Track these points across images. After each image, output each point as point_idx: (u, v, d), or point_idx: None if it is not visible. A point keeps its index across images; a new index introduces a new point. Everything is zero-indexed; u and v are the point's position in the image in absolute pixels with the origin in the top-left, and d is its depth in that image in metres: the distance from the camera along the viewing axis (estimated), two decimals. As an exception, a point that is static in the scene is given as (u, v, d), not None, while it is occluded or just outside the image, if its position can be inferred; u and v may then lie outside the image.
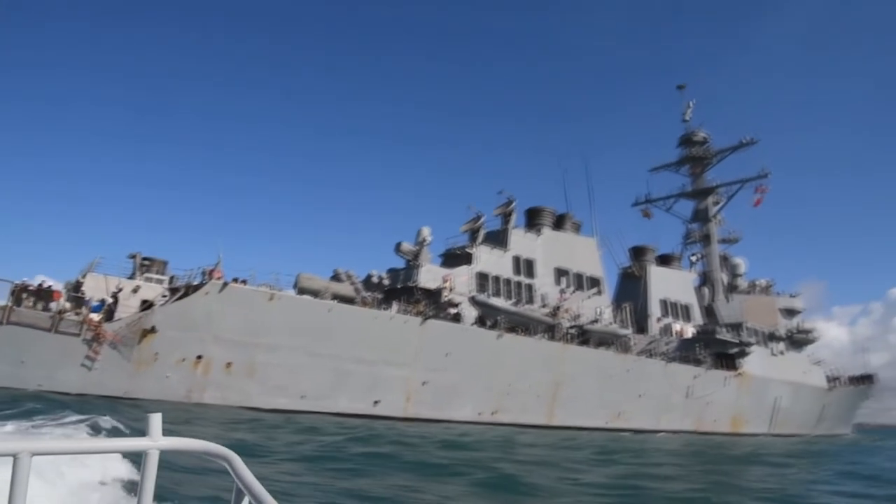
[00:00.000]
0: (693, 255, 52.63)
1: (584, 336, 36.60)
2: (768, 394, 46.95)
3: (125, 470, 7.53)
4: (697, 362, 42.05)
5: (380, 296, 31.26)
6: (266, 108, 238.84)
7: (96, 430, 11.82)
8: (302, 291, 27.13)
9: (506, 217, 39.19)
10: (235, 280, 25.16)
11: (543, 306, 37.16)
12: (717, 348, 43.62)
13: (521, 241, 38.79)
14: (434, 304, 31.88)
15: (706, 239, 52.54)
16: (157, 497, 2.21)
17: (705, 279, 51.81)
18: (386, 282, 34.07)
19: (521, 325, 34.22)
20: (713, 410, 42.71)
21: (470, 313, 33.01)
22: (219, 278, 24.78)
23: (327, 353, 26.60)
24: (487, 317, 33.19)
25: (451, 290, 33.33)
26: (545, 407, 34.21)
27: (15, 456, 1.94)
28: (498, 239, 38.24)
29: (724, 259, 53.43)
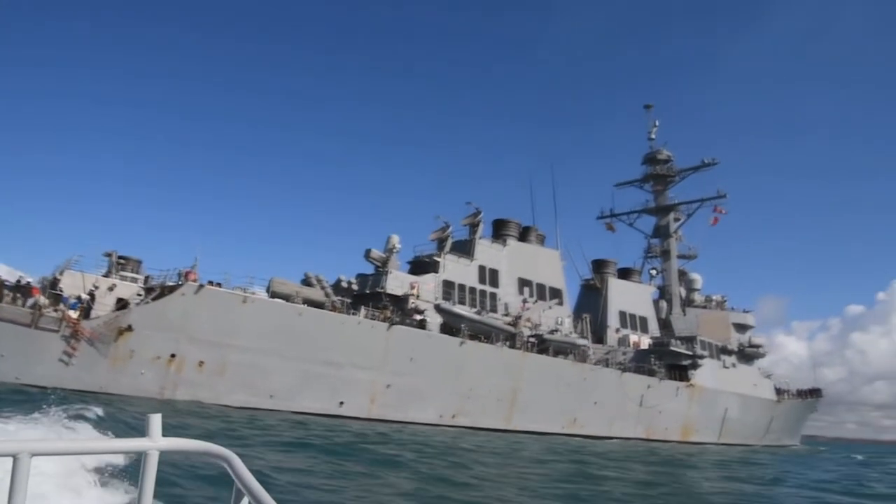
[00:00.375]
0: (653, 269, 55.25)
1: (543, 345, 38.66)
2: (718, 404, 49.67)
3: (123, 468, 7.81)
4: (651, 373, 44.49)
5: (349, 300, 32.87)
6: (244, 109, 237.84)
7: (82, 419, 13.30)
8: (274, 295, 28.63)
9: (473, 227, 41.12)
10: (210, 283, 26.58)
11: (506, 315, 39.15)
12: (670, 360, 46.17)
13: (486, 252, 40.74)
14: (400, 310, 33.60)
15: (666, 254, 55.26)
16: (156, 496, 2.28)
17: (663, 293, 54.47)
18: (355, 287, 35.62)
19: (483, 332, 36.13)
20: (664, 419, 45.20)
21: (435, 320, 34.80)
22: (194, 280, 26.18)
23: (296, 356, 28.16)
24: (451, 324, 35.03)
25: (417, 296, 35.08)
26: (504, 411, 36.17)
27: (15, 456, 1.96)
28: (464, 248, 40.12)
29: (682, 274, 56.20)
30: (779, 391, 58.91)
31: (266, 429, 19.97)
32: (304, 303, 29.16)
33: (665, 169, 56.36)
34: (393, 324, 31.45)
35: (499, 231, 43.55)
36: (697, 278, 56.70)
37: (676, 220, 56.43)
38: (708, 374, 48.52)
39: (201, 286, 26.01)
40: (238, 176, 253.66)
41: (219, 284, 26.93)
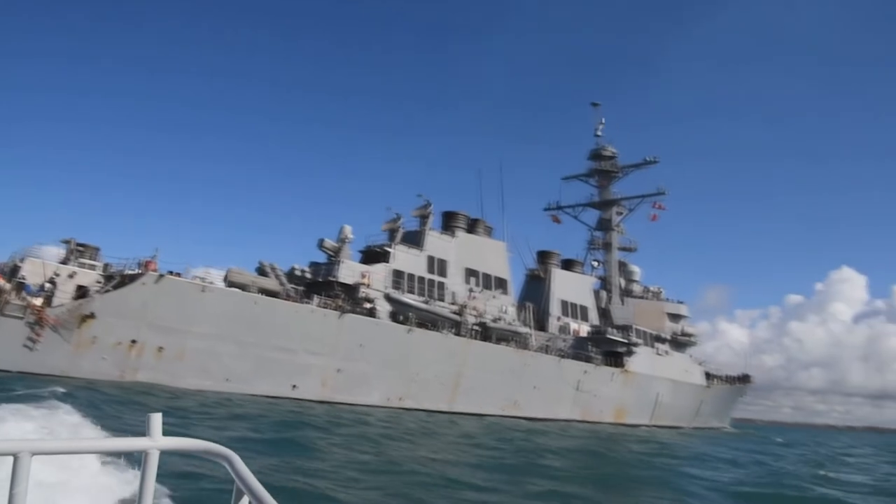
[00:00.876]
0: (595, 260, 58.81)
1: (486, 332, 41.56)
2: (651, 389, 53.67)
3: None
4: (589, 359, 48.00)
5: (302, 288, 34.98)
6: (202, 92, 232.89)
7: (55, 398, 15.31)
8: (231, 285, 30.59)
9: (423, 219, 43.60)
10: (171, 273, 28.38)
11: (453, 304, 41.84)
12: (607, 347, 49.79)
13: (435, 243, 43.25)
14: (351, 298, 35.91)
15: (608, 247, 58.79)
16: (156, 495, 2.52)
17: (604, 283, 58.06)
18: (308, 275, 37.71)
19: (430, 320, 38.75)
20: (600, 402, 48.84)
21: (384, 308, 37.24)
22: (154, 270, 27.95)
23: (252, 342, 30.27)
24: (399, 312, 37.53)
25: (368, 285, 37.41)
26: (447, 395, 38.98)
27: (15, 455, 1.99)
28: (415, 239, 42.56)
29: (623, 266, 59.90)
30: (709, 377, 63.50)
31: (210, 406, 22.16)
32: (259, 292, 31.21)
33: (609, 165, 59.71)
34: (344, 312, 33.77)
35: (448, 223, 46.07)
36: (636, 270, 60.57)
37: (619, 213, 59.96)
38: (642, 360, 52.36)
39: (161, 276, 27.81)
40: (190, 160, 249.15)
41: (178, 274, 28.75)
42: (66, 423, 11.63)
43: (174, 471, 8.75)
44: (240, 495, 2.15)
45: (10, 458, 2.00)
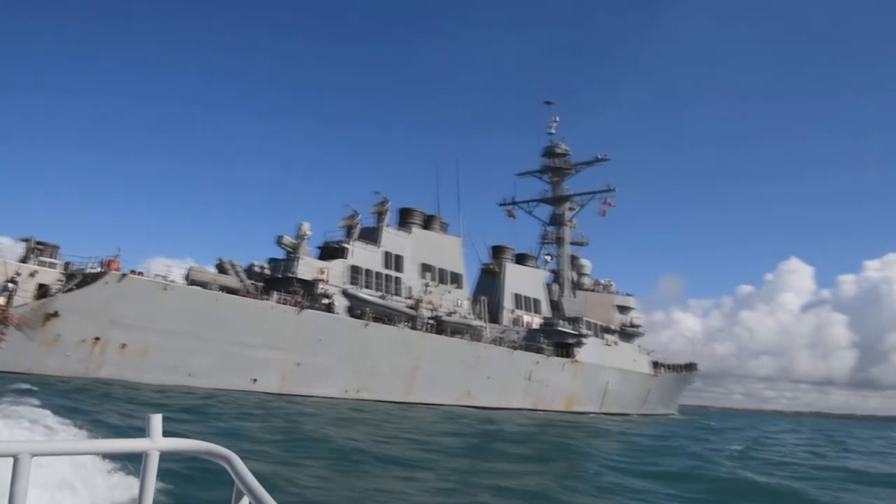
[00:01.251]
0: (547, 254, 61.40)
1: (441, 326, 43.61)
2: (599, 378, 56.59)
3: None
4: (540, 350, 50.53)
5: (261, 284, 36.38)
6: (161, 87, 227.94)
7: (21, 395, 16.66)
8: (192, 283, 31.87)
9: (380, 215, 45.30)
10: (133, 272, 29.56)
11: (409, 298, 43.74)
12: (557, 338, 52.40)
13: (392, 239, 45.03)
14: (310, 294, 37.48)
15: (560, 241, 61.47)
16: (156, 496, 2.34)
17: (556, 277, 60.71)
18: (267, 271, 39.06)
19: (386, 315, 40.58)
20: (551, 392, 51.47)
21: (342, 303, 38.90)
22: (117, 269, 29.09)
23: (213, 338, 31.66)
24: (357, 307, 39.26)
25: (326, 281, 39.00)
26: (404, 386, 40.93)
27: (15, 456, 2.02)
28: (371, 235, 44.26)
29: (574, 259, 62.68)
30: (656, 365, 66.95)
31: (166, 398, 23.67)
32: (220, 289, 32.56)
33: (562, 162, 62.29)
34: (303, 308, 35.35)
35: (404, 219, 47.88)
36: (587, 264, 63.41)
37: (571, 209, 62.68)
38: (591, 351, 55.17)
39: (124, 275, 28.99)
40: (143, 155, 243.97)
41: (140, 273, 29.94)
42: (35, 420, 11.77)
43: (174, 471, 8.92)
44: (240, 496, 2.17)
45: (11, 459, 2.03)
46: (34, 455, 2.06)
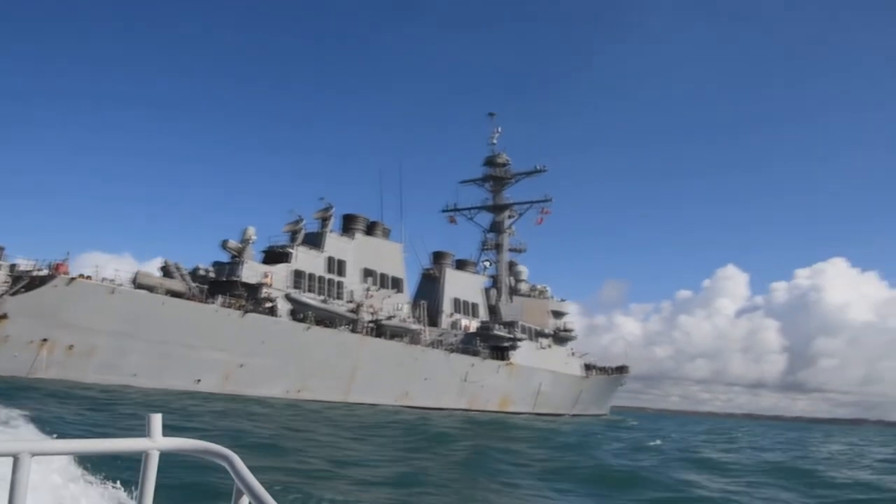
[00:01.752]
0: (486, 260, 64.59)
1: (380, 329, 46.08)
2: (533, 380, 60.01)
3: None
4: (476, 353, 53.54)
5: (206, 287, 38.10)
6: (99, 84, 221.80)
7: None
8: (139, 286, 33.49)
9: (324, 221, 47.45)
10: (81, 276, 31.06)
11: (350, 302, 46.05)
12: (493, 342, 55.53)
13: (335, 244, 47.25)
14: (253, 298, 39.42)
15: (499, 248, 64.71)
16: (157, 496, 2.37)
17: (495, 282, 63.93)
18: (212, 275, 40.75)
19: (327, 318, 42.80)
20: (486, 393, 54.54)
21: (285, 307, 40.96)
22: (66, 273, 30.57)
23: (158, 340, 33.37)
24: (299, 311, 41.37)
25: (269, 285, 40.96)
26: (343, 387, 43.24)
27: (15, 456, 2.05)
28: (315, 240, 46.37)
29: (512, 266, 66.05)
30: (588, 368, 70.96)
31: (109, 398, 25.47)
32: (166, 293, 34.27)
33: (502, 171, 65.56)
34: (247, 311, 37.31)
35: (348, 225, 50.13)
36: (524, 270, 66.95)
37: (510, 217, 66.03)
38: (525, 354, 58.50)
39: (73, 279, 30.49)
40: (85, 154, 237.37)
41: (89, 277, 31.46)
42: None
43: (175, 470, 8.98)
44: (239, 495, 2.20)
45: (11, 459, 2.06)
46: (34, 455, 2.09)
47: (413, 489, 11.64)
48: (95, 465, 8.26)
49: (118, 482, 7.99)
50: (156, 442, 2.35)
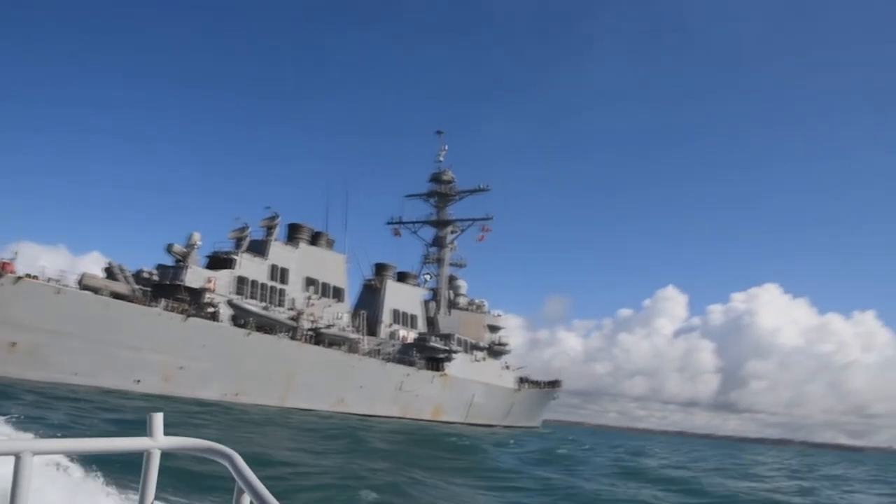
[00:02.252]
0: (427, 274, 67.41)
1: (319, 337, 48.24)
2: (466, 391, 62.92)
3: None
4: (412, 363, 56.13)
5: (149, 290, 39.64)
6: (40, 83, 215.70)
7: None
8: (85, 288, 34.95)
9: (269, 229, 49.40)
10: (28, 275, 32.43)
11: (291, 310, 48.08)
12: (429, 353, 58.25)
13: (279, 252, 49.24)
14: (196, 302, 41.13)
15: (440, 262, 67.61)
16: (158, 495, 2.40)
17: (435, 295, 66.73)
18: (155, 277, 42.24)
19: (268, 325, 44.77)
20: (419, 402, 57.13)
21: (226, 312, 42.77)
22: (12, 272, 31.90)
23: (100, 340, 34.87)
24: (241, 317, 43.24)
25: (213, 290, 42.71)
26: (280, 392, 45.22)
27: (17, 455, 2.09)
28: (260, 248, 48.28)
29: (452, 280, 69.01)
30: (521, 381, 74.33)
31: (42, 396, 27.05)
32: (111, 295, 35.80)
33: (447, 188, 68.62)
34: (189, 316, 39.04)
35: (293, 234, 52.18)
36: (463, 284, 69.96)
37: (452, 233, 69.05)
38: (460, 365, 61.39)
39: (19, 278, 31.86)
40: (29, 155, 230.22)
41: (35, 277, 32.84)
42: None
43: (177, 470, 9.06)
44: (240, 494, 2.25)
45: (12, 458, 2.10)
46: (35, 453, 2.14)
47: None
48: (98, 463, 8.54)
49: (120, 480, 8.27)
50: (157, 441, 2.41)
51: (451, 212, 69.14)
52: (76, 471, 8.13)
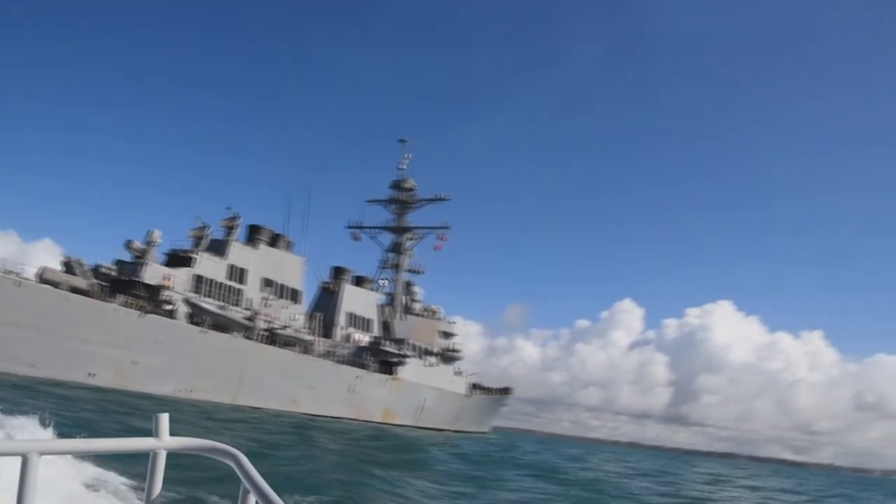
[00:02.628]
0: (384, 279, 69.30)
1: (274, 337, 49.79)
2: (417, 395, 64.92)
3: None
4: (364, 366, 57.95)
5: (107, 285, 40.76)
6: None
7: None
8: (44, 281, 36.07)
9: (229, 230, 50.80)
10: (-12, 268, 33.52)
11: (248, 309, 49.52)
12: (382, 357, 60.13)
13: (238, 252, 50.64)
14: (154, 299, 42.37)
15: (397, 267, 69.58)
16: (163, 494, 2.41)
17: (391, 300, 68.66)
18: (113, 273, 43.31)
19: (224, 324, 46.18)
20: (370, 404, 58.96)
21: (183, 310, 44.09)
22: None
23: (59, 333, 36.02)
24: (197, 315, 44.59)
25: (170, 288, 43.96)
26: (232, 390, 46.64)
27: (24, 455, 2.12)
28: (219, 248, 49.61)
29: (408, 285, 71.04)
30: (473, 387, 76.60)
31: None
32: (70, 289, 36.95)
33: (408, 196, 70.68)
34: (146, 312, 40.33)
35: (252, 235, 53.58)
36: (419, 290, 72.14)
37: (410, 240, 71.13)
38: (411, 370, 63.37)
39: (-21, 270, 32.93)
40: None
41: (-6, 269, 33.93)
42: None
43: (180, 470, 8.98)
44: (246, 494, 2.26)
45: (19, 459, 2.12)
46: (42, 454, 2.15)
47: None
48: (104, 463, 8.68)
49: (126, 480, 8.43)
50: (163, 441, 2.44)
51: (411, 219, 71.28)
52: (84, 470, 8.40)
